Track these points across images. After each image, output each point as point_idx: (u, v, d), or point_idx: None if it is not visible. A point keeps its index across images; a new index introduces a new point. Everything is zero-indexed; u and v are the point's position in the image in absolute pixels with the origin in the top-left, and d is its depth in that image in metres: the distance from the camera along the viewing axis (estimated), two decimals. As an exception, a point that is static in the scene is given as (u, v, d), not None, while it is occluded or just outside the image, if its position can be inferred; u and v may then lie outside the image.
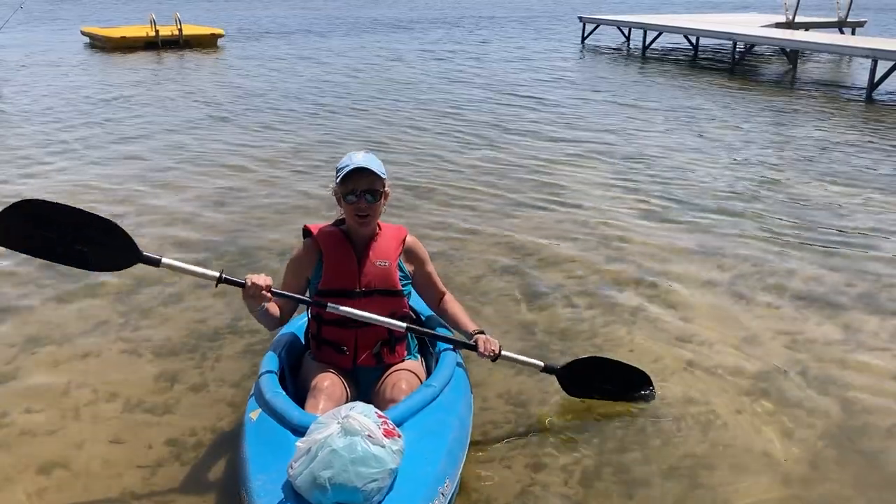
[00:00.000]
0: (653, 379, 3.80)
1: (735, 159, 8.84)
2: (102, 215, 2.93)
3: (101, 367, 4.11)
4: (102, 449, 3.37)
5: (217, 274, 2.88)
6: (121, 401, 3.77)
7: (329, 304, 2.95)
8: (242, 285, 2.83)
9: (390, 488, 2.31)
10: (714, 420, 3.65)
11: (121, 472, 3.21)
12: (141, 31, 21.28)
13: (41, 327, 4.55)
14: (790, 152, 9.23)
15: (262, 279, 2.83)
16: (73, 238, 2.78)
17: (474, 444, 3.41)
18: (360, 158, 2.96)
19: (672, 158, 8.86)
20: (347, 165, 2.95)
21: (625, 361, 3.82)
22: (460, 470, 2.79)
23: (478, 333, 3.22)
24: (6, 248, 2.79)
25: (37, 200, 2.79)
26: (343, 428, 2.26)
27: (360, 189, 2.95)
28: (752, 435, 3.54)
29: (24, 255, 5.56)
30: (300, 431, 2.52)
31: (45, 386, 3.90)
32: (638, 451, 3.40)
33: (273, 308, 3.01)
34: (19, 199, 2.77)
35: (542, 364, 3.52)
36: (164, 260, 2.87)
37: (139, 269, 5.33)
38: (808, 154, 9.14)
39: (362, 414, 2.31)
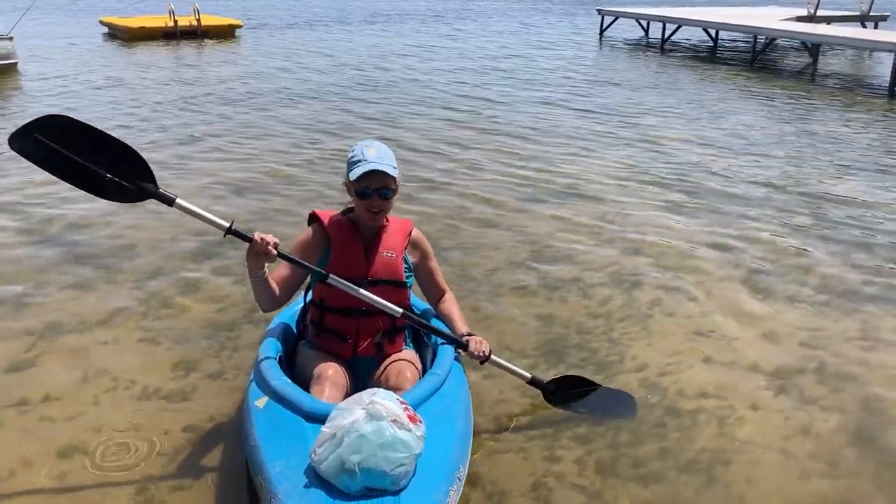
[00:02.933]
0: (636, 400, 3.70)
1: (754, 154, 8.77)
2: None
3: (119, 354, 4.15)
4: (121, 435, 3.40)
5: (227, 224, 2.85)
6: (139, 388, 3.80)
7: (331, 276, 2.95)
8: (250, 240, 2.82)
9: (414, 473, 2.33)
10: (731, 415, 3.64)
11: (139, 458, 3.23)
12: (160, 21, 21.35)
13: (61, 315, 4.58)
14: (810, 147, 9.15)
15: (269, 237, 2.82)
16: (94, 161, 2.73)
17: (489, 434, 3.43)
18: (373, 155, 2.96)
19: (691, 152, 8.81)
20: (360, 162, 2.95)
21: (609, 386, 3.77)
22: (469, 456, 2.81)
23: (468, 335, 3.23)
24: (26, 159, 2.70)
25: (63, 116, 2.75)
26: (369, 413, 2.27)
27: (374, 187, 2.96)
28: (769, 430, 3.52)
29: (43, 244, 5.68)
30: (314, 418, 2.55)
31: (64, 373, 3.94)
32: (654, 444, 3.39)
33: (272, 283, 3.01)
34: (45, 114, 2.73)
35: (529, 376, 3.51)
36: (179, 200, 2.83)
37: (156, 257, 5.44)
38: (829, 149, 9.05)
39: (386, 399, 2.33)
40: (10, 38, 14.67)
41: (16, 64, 14.77)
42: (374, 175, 2.95)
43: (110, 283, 5.05)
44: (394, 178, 3.01)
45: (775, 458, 3.33)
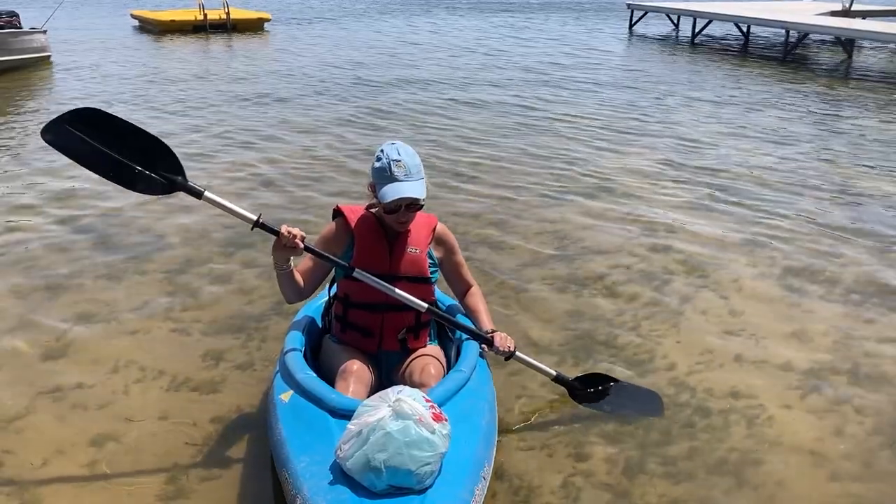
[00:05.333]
0: (662, 399, 3.66)
1: (787, 151, 8.64)
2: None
3: (149, 344, 4.19)
4: (151, 425, 3.44)
5: (255, 217, 2.85)
6: (168, 378, 3.84)
7: (357, 270, 2.94)
8: (277, 233, 2.82)
9: (439, 472, 2.32)
10: (761, 414, 3.59)
11: (168, 447, 3.27)
12: (189, 14, 21.54)
13: (92, 305, 4.64)
14: (844, 145, 9.00)
15: (296, 230, 2.82)
16: (124, 153, 2.75)
17: (517, 431, 3.42)
18: (401, 173, 2.85)
19: (721, 149, 8.70)
20: (388, 180, 2.86)
21: (635, 384, 3.75)
22: (494, 455, 2.79)
23: (493, 332, 3.20)
24: (58, 151, 2.75)
25: (94, 109, 2.79)
26: (395, 411, 2.26)
27: (403, 205, 2.91)
28: (800, 431, 3.47)
29: (76, 235, 5.75)
30: (339, 414, 2.55)
31: (95, 362, 3.99)
32: (683, 443, 3.36)
33: (297, 276, 3.01)
34: (77, 107, 2.76)
35: (554, 373, 3.47)
36: (207, 193, 2.83)
37: (186, 249, 5.49)
38: (864, 146, 8.89)
39: (411, 398, 2.32)
40: (44, 32, 14.88)
41: (49, 57, 14.97)
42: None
43: (141, 274, 5.10)
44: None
45: (807, 459, 3.28)
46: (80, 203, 6.50)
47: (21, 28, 14.49)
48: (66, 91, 12.18)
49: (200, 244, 5.62)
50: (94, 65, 14.80)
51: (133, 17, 23.38)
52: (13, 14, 14.47)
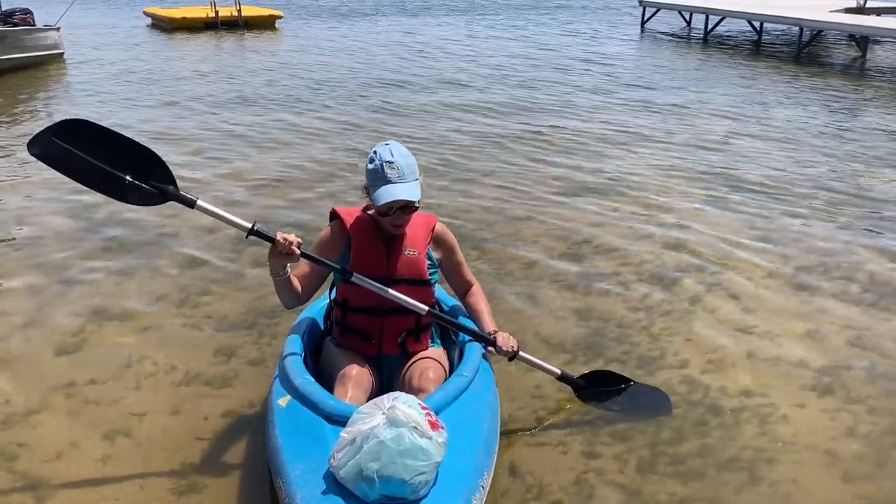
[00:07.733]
0: (670, 398, 3.64)
1: (800, 149, 8.59)
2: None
3: (161, 340, 4.21)
4: (162, 419, 3.46)
5: (249, 225, 2.79)
6: (180, 373, 3.85)
7: (355, 275, 2.89)
8: (273, 240, 2.76)
9: (434, 482, 2.26)
10: (774, 413, 3.57)
11: (179, 442, 3.29)
12: (201, 11, 21.60)
13: (105, 301, 4.67)
14: (858, 143, 8.93)
15: (292, 236, 2.77)
16: (114, 164, 2.72)
17: (529, 428, 3.42)
18: (395, 174, 2.80)
19: (734, 146, 8.66)
20: (381, 182, 2.81)
21: (641, 382, 3.73)
22: (494, 461, 2.75)
23: (495, 332, 3.15)
24: (46, 164, 2.71)
25: (82, 120, 2.76)
26: (388, 419, 2.20)
27: (397, 206, 2.85)
28: (813, 430, 3.45)
29: (89, 232, 5.78)
30: (335, 420, 2.49)
31: (108, 357, 4.01)
32: (695, 442, 3.34)
33: (294, 281, 2.97)
34: (63, 119, 2.72)
35: (559, 372, 3.45)
36: (200, 202, 2.78)
37: (197, 245, 5.50)
38: (877, 145, 8.83)
39: (406, 405, 2.26)
40: (58, 29, 14.96)
41: (62, 54, 15.05)
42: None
43: (153, 270, 5.12)
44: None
45: (820, 458, 3.26)
46: (92, 200, 6.53)
47: (34, 25, 14.57)
48: (79, 88, 12.23)
49: (211, 240, 5.63)
50: (107, 62, 14.87)
51: (146, 14, 23.48)
52: (27, 11, 14.55)
